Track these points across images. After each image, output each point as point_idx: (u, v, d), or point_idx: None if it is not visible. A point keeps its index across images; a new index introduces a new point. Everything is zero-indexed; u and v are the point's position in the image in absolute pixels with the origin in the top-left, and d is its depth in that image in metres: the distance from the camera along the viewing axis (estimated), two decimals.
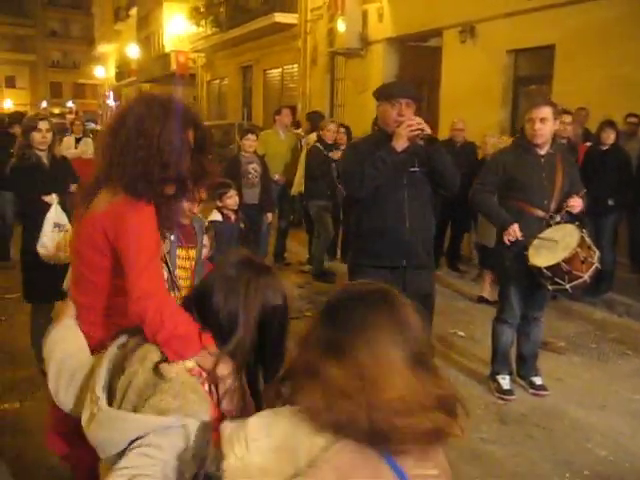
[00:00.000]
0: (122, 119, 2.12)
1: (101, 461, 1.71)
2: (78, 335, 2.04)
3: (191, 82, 27.08)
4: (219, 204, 5.29)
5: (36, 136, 4.83)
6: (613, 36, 8.77)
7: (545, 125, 4.36)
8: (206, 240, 3.56)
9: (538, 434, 4.20)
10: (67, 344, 2.00)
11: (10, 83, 57.69)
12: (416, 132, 3.72)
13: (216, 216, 5.26)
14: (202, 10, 23.77)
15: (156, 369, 1.70)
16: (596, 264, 4.26)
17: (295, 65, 18.66)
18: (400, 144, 3.76)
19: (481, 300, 7.06)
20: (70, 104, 49.86)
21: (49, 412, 2.15)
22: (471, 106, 11.20)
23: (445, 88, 12.73)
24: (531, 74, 11.14)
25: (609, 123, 7.07)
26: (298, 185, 8.14)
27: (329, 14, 15.58)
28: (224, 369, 1.75)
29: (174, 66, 26.25)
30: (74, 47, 54.91)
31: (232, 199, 5.37)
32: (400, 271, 3.95)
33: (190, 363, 1.74)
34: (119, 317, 2.06)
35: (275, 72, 20.76)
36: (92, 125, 26.40)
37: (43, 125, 4.86)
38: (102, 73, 45.51)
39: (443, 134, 9.53)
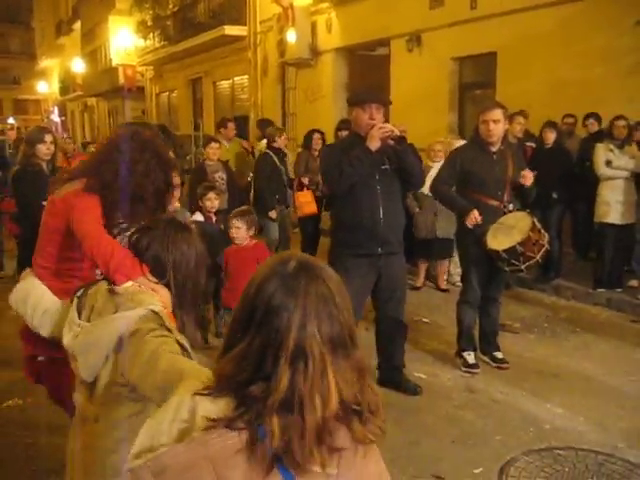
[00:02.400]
0: (112, 152, 2.82)
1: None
2: (42, 285, 2.68)
3: (139, 95, 27.19)
4: (200, 205, 5.69)
5: (41, 148, 5.31)
6: (550, 42, 9.45)
7: (497, 125, 4.91)
8: None
9: (502, 399, 4.71)
10: (36, 290, 2.66)
11: None
12: (387, 134, 4.23)
13: (198, 217, 5.65)
14: (149, 24, 23.94)
15: (110, 291, 2.24)
16: (546, 246, 4.81)
17: (245, 76, 19.04)
18: (374, 144, 4.28)
19: (415, 289, 7.58)
20: (11, 120, 49.01)
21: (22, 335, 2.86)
22: (420, 111, 11.82)
23: (394, 95, 13.22)
24: (475, 80, 11.80)
25: (550, 124, 7.72)
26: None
27: (279, 25, 16.04)
28: (163, 292, 2.24)
29: (122, 80, 26.32)
30: (13, 62, 54.01)
31: (210, 202, 5.77)
32: (376, 258, 4.45)
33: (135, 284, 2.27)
34: (66, 277, 2.87)
35: (225, 83, 21.10)
36: None
37: (48, 138, 5.38)
38: (45, 88, 44.97)
39: None
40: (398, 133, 4.28)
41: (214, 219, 5.75)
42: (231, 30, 18.21)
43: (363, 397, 1.39)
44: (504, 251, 4.76)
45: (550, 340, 6.08)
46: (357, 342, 1.41)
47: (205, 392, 1.41)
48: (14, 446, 4.05)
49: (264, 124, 10.25)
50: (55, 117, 44.54)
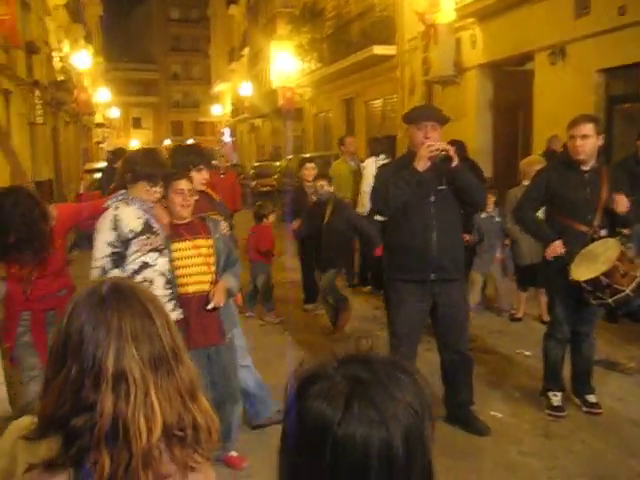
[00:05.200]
0: None
1: None
2: None
3: (299, 116, 28.00)
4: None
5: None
6: None
7: (587, 141, 4.40)
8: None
9: (581, 449, 4.17)
10: None
11: (136, 124, 61.78)
12: (435, 153, 3.93)
13: None
14: (306, 47, 24.63)
15: None
16: (638, 278, 4.22)
17: (395, 95, 18.97)
18: (421, 165, 4.01)
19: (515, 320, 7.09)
20: (190, 141, 52.54)
21: None
22: (564, 128, 11.03)
23: (538, 111, 12.59)
24: (624, 93, 10.85)
25: None
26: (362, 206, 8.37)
27: (423, 44, 15.82)
28: None
29: (281, 101, 27.24)
30: (194, 88, 58.03)
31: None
32: (429, 285, 4.12)
33: None
34: None
35: (376, 103, 21.15)
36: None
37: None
38: (219, 111, 47.76)
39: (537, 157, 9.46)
40: (450, 153, 3.97)
41: None
42: (380, 50, 18.25)
43: (189, 418, 1.34)
44: (587, 282, 4.23)
45: None
46: (184, 359, 1.38)
47: (29, 435, 1.34)
48: None
49: (375, 143, 10.04)
50: (227, 138, 47.07)
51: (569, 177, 4.51)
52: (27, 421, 1.40)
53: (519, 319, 7.09)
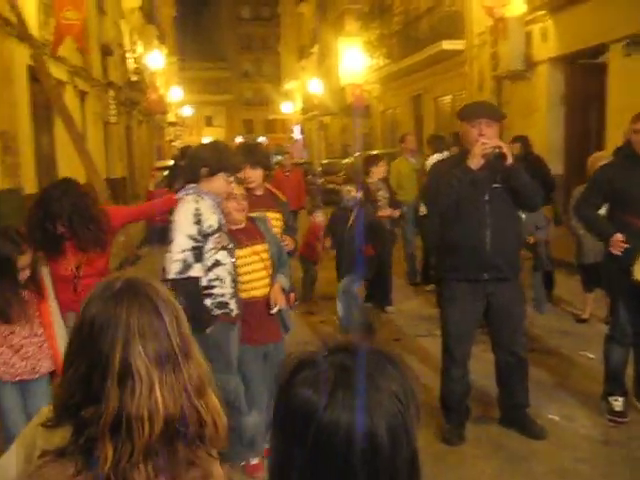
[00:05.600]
0: None
1: None
2: None
3: (366, 113, 27.90)
4: None
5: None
6: None
7: None
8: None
9: None
10: None
11: (209, 122, 62.95)
12: (488, 150, 3.85)
13: None
14: (375, 43, 24.53)
15: None
16: None
17: (464, 91, 18.68)
18: (474, 162, 3.92)
19: (581, 321, 6.86)
20: (261, 139, 53.20)
21: None
22: None
23: (612, 106, 12.15)
24: None
25: None
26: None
27: (492, 38, 15.52)
28: None
29: (350, 99, 27.20)
30: (265, 85, 58.59)
31: None
32: (482, 284, 4.04)
33: None
34: None
35: (446, 99, 20.87)
36: (279, 157, 28.09)
37: None
38: (289, 108, 48.09)
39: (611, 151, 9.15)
40: (505, 150, 3.88)
41: None
42: (448, 45, 18.01)
43: (194, 415, 1.36)
44: None
45: None
46: (193, 356, 1.41)
47: (46, 423, 1.40)
48: None
49: (436, 141, 9.89)
50: (297, 135, 47.43)
51: (632, 172, 4.33)
52: (47, 410, 1.45)
53: (584, 320, 6.87)
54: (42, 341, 3.44)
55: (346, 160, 24.51)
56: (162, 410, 1.31)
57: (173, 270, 3.35)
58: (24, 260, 3.30)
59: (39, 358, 3.43)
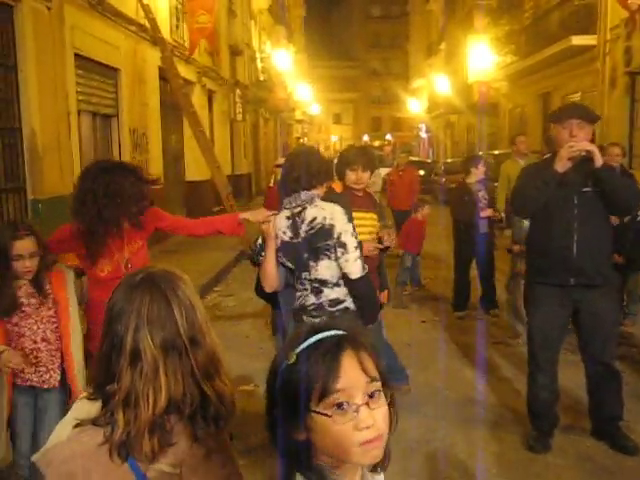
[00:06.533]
0: None
1: None
2: None
3: (493, 112, 27.25)
4: None
5: None
6: None
7: None
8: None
9: None
10: None
11: (337, 119, 63.74)
12: (575, 153, 3.73)
13: None
14: (503, 40, 23.92)
15: None
16: None
17: (595, 89, 17.85)
18: (560, 165, 3.84)
19: None
20: (388, 137, 53.21)
21: None
22: None
23: None
24: None
25: None
26: None
27: (626, 31, 14.72)
28: None
29: (476, 96, 26.68)
30: (393, 83, 58.53)
31: None
32: (568, 289, 3.92)
33: None
34: None
35: (575, 97, 20.01)
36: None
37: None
38: (416, 106, 47.80)
39: None
40: (594, 152, 3.73)
41: None
42: (578, 40, 17.22)
43: (198, 396, 1.51)
44: None
45: None
46: (203, 343, 1.56)
47: (89, 396, 1.61)
48: None
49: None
50: (423, 134, 47.05)
51: None
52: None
53: None
54: (54, 350, 3.26)
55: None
56: (165, 391, 1.47)
57: (359, 269, 3.40)
58: (21, 245, 3.10)
59: (50, 368, 3.26)
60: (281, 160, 15.65)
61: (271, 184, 15.18)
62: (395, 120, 61.85)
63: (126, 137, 11.13)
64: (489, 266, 7.44)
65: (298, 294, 3.53)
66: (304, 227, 3.40)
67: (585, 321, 4.03)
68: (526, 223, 4.68)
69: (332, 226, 3.35)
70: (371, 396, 1.22)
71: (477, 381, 5.38)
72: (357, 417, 1.19)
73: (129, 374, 1.47)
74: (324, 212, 3.38)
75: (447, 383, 5.30)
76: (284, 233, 3.47)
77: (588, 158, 3.81)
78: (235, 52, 20.03)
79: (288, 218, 3.46)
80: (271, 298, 4.51)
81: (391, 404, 1.26)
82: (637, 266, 5.88)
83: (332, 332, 1.27)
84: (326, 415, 1.19)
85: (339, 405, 1.19)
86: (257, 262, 3.72)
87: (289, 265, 3.51)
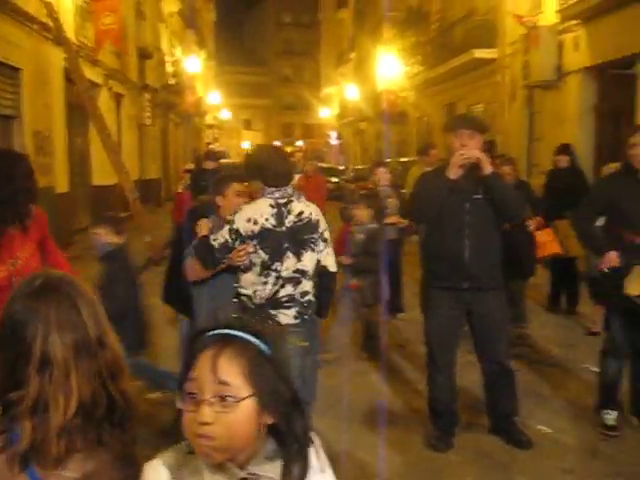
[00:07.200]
0: None
1: None
2: None
3: (401, 120, 27.91)
4: None
5: None
6: None
7: None
8: None
9: (627, 472, 3.99)
10: None
11: (247, 126, 63.58)
12: (466, 161, 3.94)
13: None
14: (410, 50, 24.57)
15: None
16: None
17: (496, 100, 18.61)
18: (452, 172, 4.04)
19: (592, 334, 6.76)
20: (300, 143, 53.52)
21: None
22: None
23: None
24: None
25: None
26: None
27: (524, 47, 15.43)
28: None
29: (385, 105, 27.24)
30: (304, 90, 58.93)
31: None
32: (461, 293, 4.13)
33: None
34: None
35: (478, 108, 20.79)
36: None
37: None
38: (326, 113, 48.33)
39: None
40: (479, 160, 3.97)
41: None
42: (480, 53, 17.96)
43: (105, 398, 1.50)
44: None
45: None
46: (109, 343, 1.56)
47: None
48: None
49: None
50: (333, 140, 47.55)
51: (628, 187, 4.33)
52: None
53: (595, 333, 6.80)
54: None
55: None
56: (76, 394, 1.46)
57: (335, 264, 3.80)
58: None
59: None
60: (191, 165, 15.52)
61: (180, 190, 14.94)
62: (306, 127, 62.27)
63: (29, 139, 10.76)
64: (396, 271, 7.62)
65: (261, 287, 3.57)
66: (291, 218, 3.56)
67: (478, 322, 4.23)
68: None
69: (318, 221, 3.66)
70: (223, 400, 1.27)
71: (382, 384, 5.50)
72: (198, 410, 1.27)
73: (37, 380, 1.45)
74: (310, 208, 3.66)
75: (353, 387, 5.39)
76: (266, 220, 3.53)
77: (479, 166, 4.01)
78: (144, 55, 19.70)
79: (272, 207, 3.55)
80: (181, 304, 4.53)
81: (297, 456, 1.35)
82: (522, 273, 6.14)
83: (225, 330, 1.33)
84: (179, 397, 1.32)
85: (190, 392, 1.29)
86: (214, 265, 3.72)
87: (261, 255, 3.53)
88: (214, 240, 3.59)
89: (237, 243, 3.54)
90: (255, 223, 3.51)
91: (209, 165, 9.85)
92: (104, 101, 14.89)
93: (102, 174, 14.81)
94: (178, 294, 4.54)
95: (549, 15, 14.49)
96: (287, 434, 1.35)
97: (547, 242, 7.29)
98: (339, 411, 4.85)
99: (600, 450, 4.28)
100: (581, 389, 5.34)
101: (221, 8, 47.20)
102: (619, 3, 12.02)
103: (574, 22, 13.83)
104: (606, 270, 4.27)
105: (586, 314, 7.38)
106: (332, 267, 3.74)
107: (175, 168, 26.46)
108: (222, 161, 13.53)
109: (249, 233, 3.52)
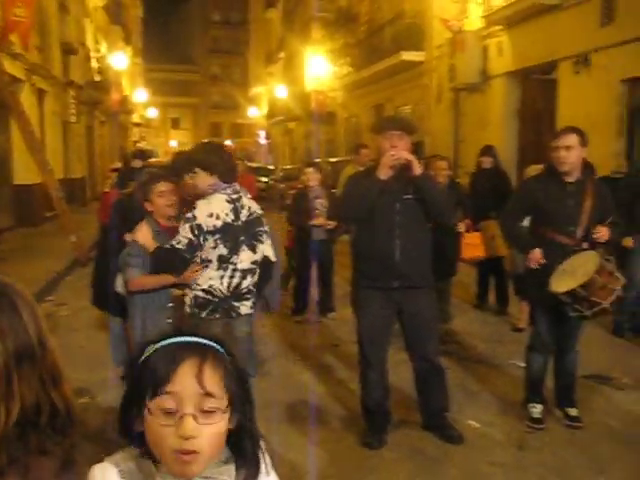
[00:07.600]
0: None
1: None
2: None
3: (331, 120, 28.08)
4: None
5: None
6: None
7: (570, 153, 4.37)
8: None
9: (552, 463, 4.14)
10: None
11: (175, 124, 62.62)
12: (396, 162, 4.01)
13: None
14: (339, 52, 24.74)
15: None
16: (617, 291, 4.17)
17: (423, 102, 18.94)
18: (383, 173, 4.10)
19: (517, 330, 7.00)
20: (228, 142, 53.08)
21: None
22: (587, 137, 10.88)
23: (561, 121, 12.41)
24: None
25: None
26: None
27: (450, 51, 15.78)
28: None
29: (314, 105, 27.34)
30: (233, 89, 58.47)
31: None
32: (391, 292, 4.21)
33: None
34: None
35: (406, 109, 21.11)
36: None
37: None
38: (255, 113, 48.12)
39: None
40: (408, 161, 4.05)
41: None
42: (408, 56, 18.24)
43: (47, 404, 1.42)
44: (565, 294, 4.21)
45: None
46: (49, 345, 1.48)
47: None
48: None
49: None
50: (262, 140, 47.40)
51: (552, 188, 4.48)
52: None
53: (521, 329, 7.02)
54: None
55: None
56: (18, 401, 1.39)
57: (274, 254, 4.04)
58: None
59: None
60: (118, 164, 15.19)
61: (107, 189, 14.61)
62: (235, 126, 61.77)
63: None
64: (327, 271, 7.67)
65: (219, 281, 3.73)
66: (245, 212, 3.80)
67: (408, 321, 4.31)
68: None
69: (262, 216, 3.95)
70: (206, 412, 1.23)
71: (314, 384, 5.52)
72: (181, 424, 1.21)
73: None
74: (253, 204, 3.92)
75: (286, 387, 5.39)
76: (227, 215, 3.72)
77: (408, 167, 4.08)
78: (68, 50, 19.15)
79: (229, 202, 3.73)
80: (112, 306, 4.48)
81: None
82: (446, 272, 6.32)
83: (196, 339, 1.29)
84: (150, 412, 1.24)
85: (166, 407, 1.23)
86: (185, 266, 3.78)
87: (221, 249, 3.71)
88: (177, 243, 3.70)
89: (201, 239, 3.66)
90: (217, 218, 3.67)
91: (137, 164, 9.66)
92: (26, 97, 14.38)
93: (24, 173, 14.30)
94: (107, 296, 4.51)
95: (474, 20, 14.86)
96: (243, 437, 1.33)
97: (472, 245, 7.50)
98: (271, 413, 4.83)
99: (526, 443, 4.42)
100: (508, 384, 5.49)
101: (148, 4, 46.36)
102: (540, 10, 12.44)
103: (498, 28, 14.25)
104: (535, 267, 4.40)
105: (512, 311, 7.60)
106: (274, 257, 4.00)
107: (101, 167, 25.83)
108: (150, 160, 13.27)
109: (211, 228, 3.68)
